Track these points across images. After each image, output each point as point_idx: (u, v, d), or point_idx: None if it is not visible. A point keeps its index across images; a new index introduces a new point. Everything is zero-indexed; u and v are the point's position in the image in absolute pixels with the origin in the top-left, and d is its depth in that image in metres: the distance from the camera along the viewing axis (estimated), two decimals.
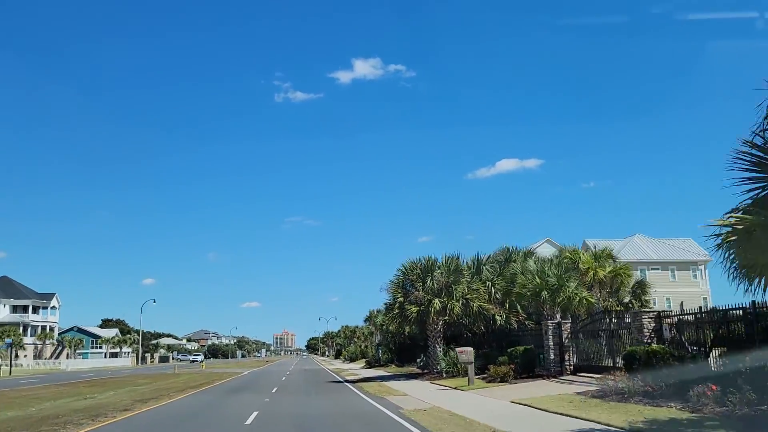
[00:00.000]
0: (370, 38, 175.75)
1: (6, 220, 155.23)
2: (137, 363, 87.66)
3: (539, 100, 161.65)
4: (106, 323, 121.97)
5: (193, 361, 72.28)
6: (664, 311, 18.23)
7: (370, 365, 49.11)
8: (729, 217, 8.43)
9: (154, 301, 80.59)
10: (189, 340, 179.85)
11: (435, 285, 27.03)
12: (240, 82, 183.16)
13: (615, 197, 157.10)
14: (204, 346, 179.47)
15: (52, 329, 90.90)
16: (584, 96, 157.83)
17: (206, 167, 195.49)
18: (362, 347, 70.27)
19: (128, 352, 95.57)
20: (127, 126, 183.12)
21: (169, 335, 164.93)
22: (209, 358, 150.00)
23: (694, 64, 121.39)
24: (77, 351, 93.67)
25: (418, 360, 40.16)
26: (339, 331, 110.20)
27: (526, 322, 28.04)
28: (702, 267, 54.49)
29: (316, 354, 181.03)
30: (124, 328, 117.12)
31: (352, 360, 67.72)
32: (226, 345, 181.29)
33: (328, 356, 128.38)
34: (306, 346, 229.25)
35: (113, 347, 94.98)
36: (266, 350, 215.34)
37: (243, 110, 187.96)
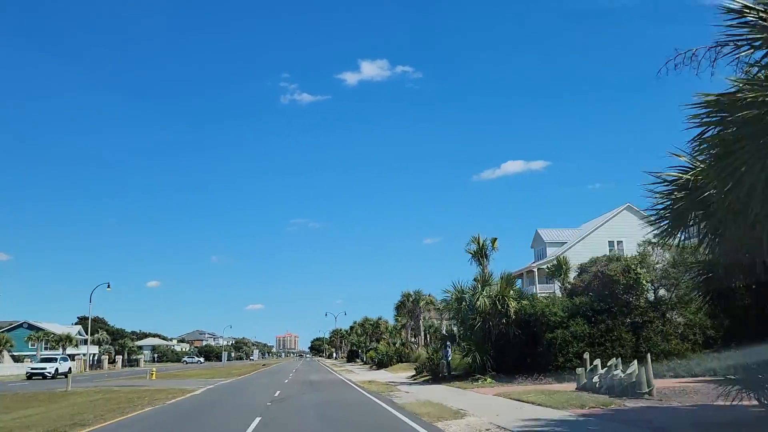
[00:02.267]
0: (377, 40, 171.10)
1: (11, 225, 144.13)
2: (84, 369, 65.22)
3: (545, 101, 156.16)
4: (82, 321, 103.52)
5: (60, 373, 39.00)
6: None
7: (434, 377, 26.34)
8: None
9: (108, 286, 57.97)
10: (182, 341, 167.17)
11: None
12: (246, 84, 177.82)
13: (618, 198, 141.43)
14: (197, 347, 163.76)
15: None
16: (592, 96, 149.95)
17: (211, 169, 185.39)
18: (397, 346, 47.35)
19: (94, 354, 75.41)
20: (133, 128, 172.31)
21: (156, 335, 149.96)
22: (198, 361, 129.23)
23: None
24: (22, 351, 72.29)
25: (581, 370, 17.65)
26: (352, 327, 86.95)
27: None
28: None
29: (321, 356, 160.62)
30: (102, 327, 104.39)
31: (381, 365, 44.85)
32: (221, 347, 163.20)
33: (337, 359, 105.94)
34: (309, 347, 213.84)
35: (49, 346, 72.49)
36: (260, 352, 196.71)
37: (249, 112, 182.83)
